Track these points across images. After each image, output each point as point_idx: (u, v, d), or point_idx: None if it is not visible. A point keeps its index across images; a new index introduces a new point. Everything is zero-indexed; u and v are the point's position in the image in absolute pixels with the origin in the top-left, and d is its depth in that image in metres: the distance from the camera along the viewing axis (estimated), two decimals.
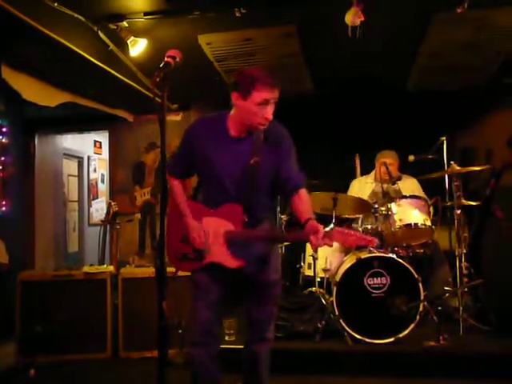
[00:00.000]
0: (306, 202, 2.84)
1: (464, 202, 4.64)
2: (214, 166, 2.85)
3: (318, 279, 4.89)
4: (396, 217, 4.64)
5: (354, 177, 5.78)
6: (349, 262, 4.52)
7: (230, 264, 2.83)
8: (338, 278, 4.46)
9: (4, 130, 5.80)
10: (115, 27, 4.18)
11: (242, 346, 3.18)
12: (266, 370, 3.03)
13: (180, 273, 3.07)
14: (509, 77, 5.71)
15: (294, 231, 3.27)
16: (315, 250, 2.61)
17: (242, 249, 2.85)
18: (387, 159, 5.16)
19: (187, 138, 2.97)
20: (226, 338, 4.50)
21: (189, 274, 3.03)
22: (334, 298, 4.36)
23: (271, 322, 3.02)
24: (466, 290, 4.58)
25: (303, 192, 2.86)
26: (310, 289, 4.97)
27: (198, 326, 2.93)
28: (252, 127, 2.79)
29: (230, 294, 3.01)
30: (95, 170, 9.21)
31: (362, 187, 5.51)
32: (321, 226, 2.59)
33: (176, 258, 3.00)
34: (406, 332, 4.23)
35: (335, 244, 4.91)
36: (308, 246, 5.14)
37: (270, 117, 2.74)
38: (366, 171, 5.69)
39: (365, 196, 5.32)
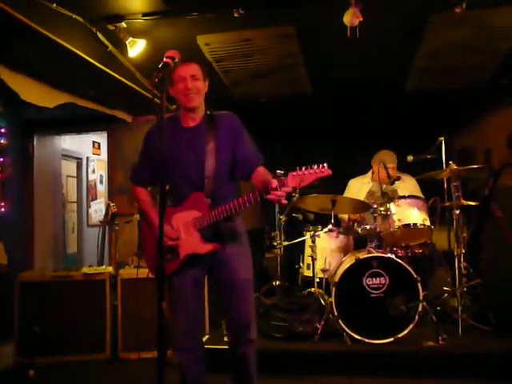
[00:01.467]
0: (263, 174, 2.85)
1: (463, 202, 4.64)
2: (172, 158, 2.90)
3: (317, 279, 4.89)
4: (395, 217, 4.64)
5: (353, 177, 5.77)
6: (348, 262, 4.52)
7: (204, 249, 2.88)
8: (336, 278, 4.46)
9: (2, 130, 5.79)
10: (114, 28, 4.19)
11: None
12: (254, 370, 3.02)
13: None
14: (507, 77, 5.72)
15: None
16: (279, 204, 2.63)
17: (212, 233, 2.89)
18: (385, 160, 5.14)
19: (144, 142, 3.11)
20: (225, 338, 4.49)
21: None
22: (332, 299, 4.36)
23: (250, 322, 2.98)
24: (464, 290, 4.58)
25: (261, 168, 2.90)
26: (308, 289, 4.97)
27: (179, 331, 2.96)
28: (186, 106, 2.92)
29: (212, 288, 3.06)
30: (94, 171, 9.20)
31: (359, 187, 5.52)
32: (274, 180, 2.57)
33: (155, 266, 3.00)
34: (405, 332, 4.23)
35: (334, 244, 5.01)
36: (307, 246, 5.13)
37: (190, 87, 2.86)
38: (364, 171, 5.69)
39: (362, 196, 5.33)
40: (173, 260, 2.94)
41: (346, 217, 5.55)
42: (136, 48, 4.37)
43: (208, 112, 3.02)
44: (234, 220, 2.99)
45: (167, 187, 3.10)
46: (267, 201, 2.63)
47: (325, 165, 2.56)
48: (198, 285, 3.02)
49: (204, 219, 2.87)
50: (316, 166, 2.55)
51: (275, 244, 5.46)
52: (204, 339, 4.45)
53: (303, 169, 2.56)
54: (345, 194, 5.51)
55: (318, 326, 4.45)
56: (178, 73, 2.86)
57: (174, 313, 2.97)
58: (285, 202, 2.60)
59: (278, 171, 5.15)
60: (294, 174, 2.56)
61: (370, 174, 5.57)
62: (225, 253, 2.93)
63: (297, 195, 5.22)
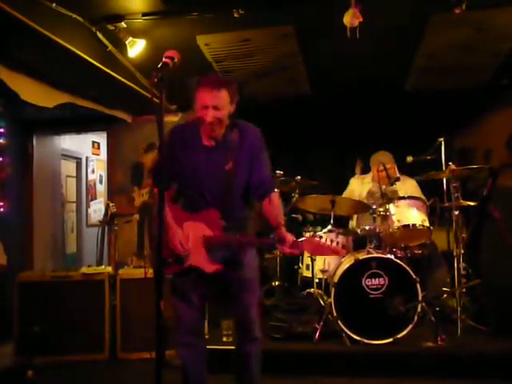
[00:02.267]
0: (276, 206, 2.92)
1: (462, 202, 4.64)
2: (190, 174, 2.91)
3: (316, 280, 4.89)
4: (394, 217, 4.64)
5: (352, 177, 5.77)
6: (347, 262, 4.52)
7: (208, 269, 2.86)
8: (336, 278, 4.46)
9: (2, 130, 5.78)
10: (113, 28, 4.19)
11: None
12: (258, 369, 3.03)
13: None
14: (507, 77, 5.72)
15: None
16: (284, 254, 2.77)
17: (218, 253, 2.88)
18: (384, 161, 5.15)
19: (167, 146, 2.94)
20: (224, 338, 4.50)
21: None
22: (332, 299, 4.36)
23: (255, 321, 2.99)
24: (463, 290, 4.58)
25: (274, 196, 2.94)
26: (308, 290, 4.98)
27: (183, 327, 2.97)
28: (207, 133, 2.86)
29: (212, 295, 3.08)
30: (93, 171, 9.20)
31: (360, 186, 5.53)
32: (290, 236, 2.70)
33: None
34: (404, 333, 4.24)
35: (333, 245, 4.99)
36: None
37: (209, 120, 2.76)
38: (364, 171, 5.69)
39: (362, 195, 5.33)
40: (175, 265, 2.92)
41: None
42: (136, 48, 4.37)
43: (232, 122, 2.91)
44: (245, 251, 3.00)
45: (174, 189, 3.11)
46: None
47: (344, 248, 2.70)
48: (201, 285, 2.98)
49: (215, 241, 2.86)
50: (334, 244, 2.66)
51: None
52: None
53: (320, 240, 2.66)
54: (345, 192, 5.52)
55: (317, 326, 4.45)
56: (201, 99, 2.76)
57: (178, 309, 2.97)
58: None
59: (278, 172, 5.18)
60: (312, 240, 2.68)
61: (370, 174, 5.57)
62: (234, 256, 2.94)
63: (296, 195, 5.23)
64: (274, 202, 2.91)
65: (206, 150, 2.92)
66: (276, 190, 3.03)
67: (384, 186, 4.94)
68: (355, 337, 4.27)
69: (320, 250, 2.65)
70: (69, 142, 8.11)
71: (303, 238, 2.70)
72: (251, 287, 3.01)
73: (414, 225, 4.61)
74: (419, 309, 4.27)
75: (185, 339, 2.97)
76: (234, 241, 2.84)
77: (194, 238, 2.90)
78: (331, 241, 2.64)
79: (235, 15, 4.00)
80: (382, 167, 5.03)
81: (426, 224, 4.63)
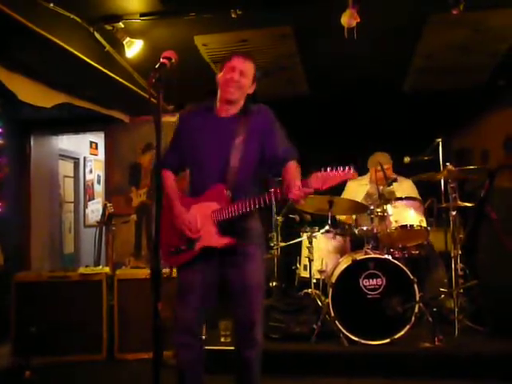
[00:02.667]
0: (292, 172, 2.83)
1: (460, 203, 4.65)
2: (198, 146, 2.92)
3: (314, 280, 4.89)
4: (392, 218, 4.65)
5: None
6: (344, 263, 4.52)
7: (219, 243, 2.85)
8: (333, 279, 4.46)
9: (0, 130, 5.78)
10: (111, 28, 4.18)
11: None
12: (258, 372, 3.00)
13: (175, 274, 3.05)
14: (504, 78, 5.73)
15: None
16: (297, 203, 2.58)
17: (230, 228, 2.85)
18: (382, 161, 5.15)
19: (177, 126, 3.09)
20: (222, 339, 4.50)
21: None
22: (329, 300, 4.37)
23: (256, 324, 2.94)
24: (461, 291, 4.59)
25: (291, 164, 2.88)
26: (305, 290, 4.98)
27: (182, 327, 2.93)
28: (222, 96, 2.93)
29: (215, 294, 3.01)
30: (91, 171, 9.19)
31: (357, 188, 5.52)
32: (296, 181, 2.59)
33: (169, 253, 2.98)
34: (402, 333, 4.24)
35: (331, 245, 5.01)
36: (304, 247, 5.14)
37: (236, 78, 2.87)
38: (361, 172, 5.68)
39: (359, 197, 5.33)
40: (187, 251, 2.91)
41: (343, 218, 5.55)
42: (133, 48, 4.37)
43: (244, 105, 2.99)
44: (253, 218, 2.96)
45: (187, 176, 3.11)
46: (287, 199, 2.63)
47: (351, 167, 2.57)
48: (209, 284, 2.96)
49: (222, 212, 2.84)
50: (342, 168, 2.56)
51: (272, 245, 5.46)
52: None
53: (328, 170, 2.56)
54: (342, 195, 5.51)
55: (314, 326, 4.45)
56: (231, 62, 2.88)
57: (180, 307, 2.94)
58: (302, 202, 2.62)
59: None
60: (319, 174, 2.56)
61: (367, 176, 5.57)
62: (240, 251, 2.90)
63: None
64: (290, 168, 2.85)
65: (217, 120, 2.96)
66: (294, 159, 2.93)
67: (381, 187, 4.95)
68: (353, 337, 4.27)
69: (330, 180, 2.55)
70: (66, 142, 8.11)
71: (310, 177, 2.57)
72: (258, 291, 2.97)
73: (411, 225, 4.62)
74: (416, 309, 4.27)
75: (183, 339, 2.93)
76: (242, 208, 2.78)
77: (202, 218, 2.89)
78: (336, 168, 2.56)
79: (233, 15, 3.99)
80: (379, 167, 5.03)
81: (424, 224, 4.64)
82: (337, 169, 2.55)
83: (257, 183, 2.99)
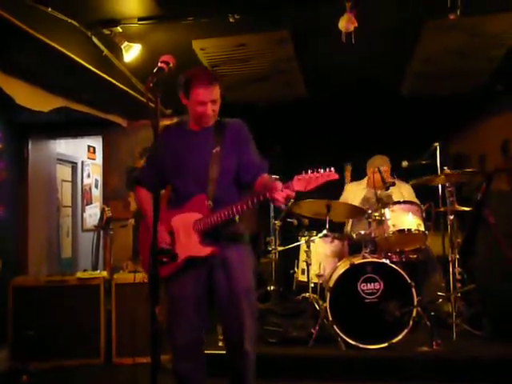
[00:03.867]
0: (266, 179, 2.82)
1: (457, 207, 4.65)
2: (176, 160, 2.93)
3: (312, 285, 4.88)
4: (389, 222, 4.64)
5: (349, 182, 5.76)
6: (342, 267, 4.52)
7: (202, 252, 2.84)
8: (331, 283, 4.46)
9: None
10: (109, 32, 4.19)
11: None
12: (252, 380, 2.96)
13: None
14: (501, 83, 5.74)
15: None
16: (280, 205, 2.51)
17: (212, 234, 2.85)
18: (380, 165, 5.15)
19: (152, 145, 3.17)
20: (220, 343, 4.48)
21: None
22: (327, 304, 4.36)
23: (245, 333, 2.89)
24: (459, 295, 4.59)
25: (265, 175, 2.87)
26: (303, 294, 4.96)
27: (179, 342, 2.91)
28: (201, 122, 2.93)
29: (206, 304, 2.98)
30: (89, 176, 9.18)
31: (355, 192, 5.51)
32: (277, 183, 2.56)
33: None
34: (400, 337, 4.23)
35: (329, 249, 5.01)
36: (302, 251, 5.13)
37: (209, 113, 2.87)
38: (359, 176, 5.69)
39: (356, 201, 5.33)
40: (170, 263, 2.89)
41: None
42: (131, 52, 4.38)
43: (218, 119, 2.99)
44: (236, 225, 2.95)
45: (164, 191, 3.11)
46: (267, 201, 2.61)
47: (332, 169, 2.55)
48: (199, 290, 2.93)
49: (204, 221, 2.83)
50: (323, 170, 2.54)
51: (270, 249, 5.46)
52: None
53: (309, 172, 2.54)
54: (340, 199, 5.51)
55: (312, 331, 4.44)
56: (199, 96, 2.82)
57: (173, 319, 2.92)
58: (283, 203, 2.58)
59: (273, 176, 5.18)
60: (300, 177, 2.55)
61: (365, 180, 5.56)
62: (225, 259, 2.88)
63: (291, 200, 5.21)
64: (265, 177, 2.83)
65: (193, 134, 2.98)
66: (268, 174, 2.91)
67: (379, 191, 4.95)
68: (350, 341, 4.26)
69: (313, 181, 2.53)
70: (64, 147, 8.10)
71: (292, 180, 2.55)
72: (247, 297, 2.92)
73: (409, 229, 4.61)
74: (414, 313, 4.27)
75: (182, 354, 2.92)
76: (224, 215, 2.77)
77: (184, 229, 2.89)
78: (317, 170, 2.55)
79: (231, 20, 4.01)
80: (377, 171, 5.03)
81: (421, 229, 4.64)
82: (318, 171, 2.54)
83: (237, 193, 2.97)
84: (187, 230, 2.88)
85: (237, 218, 2.90)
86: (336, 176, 2.57)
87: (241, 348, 2.88)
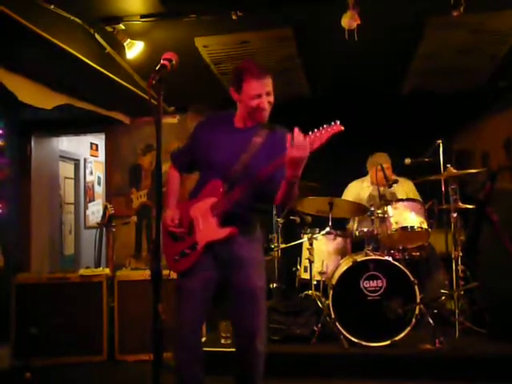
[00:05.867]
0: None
1: (460, 205, 4.64)
2: (213, 150, 2.88)
3: (315, 282, 4.89)
4: (392, 220, 4.64)
5: (351, 180, 5.75)
6: (345, 264, 4.52)
7: (221, 234, 2.81)
8: (334, 281, 4.46)
9: (0, 132, 5.78)
10: (112, 29, 4.18)
11: None
12: (260, 379, 2.96)
13: (173, 275, 3.02)
14: (504, 80, 5.73)
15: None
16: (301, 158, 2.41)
17: (230, 218, 2.81)
18: (382, 162, 5.15)
19: (194, 130, 3.07)
20: (222, 341, 4.49)
21: None
22: (330, 301, 4.36)
23: (259, 332, 2.89)
24: (461, 292, 4.58)
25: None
26: (306, 292, 4.97)
27: (183, 330, 2.89)
28: (256, 117, 2.85)
29: (215, 298, 2.97)
30: (92, 173, 9.20)
31: (359, 190, 5.51)
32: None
33: (175, 261, 2.94)
34: (402, 335, 4.23)
35: (331, 247, 5.01)
36: (304, 249, 5.13)
37: (266, 106, 2.81)
38: (361, 174, 5.68)
39: (363, 199, 5.33)
40: (191, 253, 2.87)
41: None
42: (134, 50, 4.37)
43: (269, 123, 2.91)
44: (254, 215, 2.93)
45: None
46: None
47: (337, 122, 2.56)
48: (207, 288, 2.92)
49: (219, 203, 2.81)
50: (327, 125, 2.55)
51: (273, 247, 5.46)
52: None
53: (315, 131, 2.54)
54: (344, 196, 5.51)
55: (315, 328, 4.45)
56: (253, 89, 2.77)
57: (180, 311, 2.90)
58: (301, 155, 2.49)
59: None
60: (310, 135, 2.53)
61: (368, 177, 5.56)
62: (241, 257, 2.85)
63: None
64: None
65: (235, 130, 2.92)
66: None
67: (382, 188, 4.94)
68: (353, 339, 4.26)
69: (318, 138, 2.53)
70: (67, 144, 8.12)
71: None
72: (259, 296, 2.92)
73: (412, 227, 4.61)
74: (417, 311, 4.27)
75: (184, 343, 2.90)
76: (236, 192, 2.77)
77: (202, 216, 2.87)
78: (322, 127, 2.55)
79: (234, 17, 4.00)
80: (380, 168, 5.02)
81: (424, 226, 4.63)
82: (322, 127, 2.56)
83: (260, 198, 2.87)
84: (205, 216, 2.86)
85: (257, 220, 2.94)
86: (341, 128, 2.56)
87: (253, 347, 2.87)
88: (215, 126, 2.96)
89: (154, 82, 2.35)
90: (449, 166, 4.65)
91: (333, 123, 2.55)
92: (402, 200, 4.80)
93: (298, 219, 5.62)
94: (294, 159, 2.49)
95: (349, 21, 3.88)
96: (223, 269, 2.88)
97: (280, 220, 5.42)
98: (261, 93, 2.77)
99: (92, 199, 9.21)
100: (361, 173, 5.69)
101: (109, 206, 5.50)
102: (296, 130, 2.48)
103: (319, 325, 4.44)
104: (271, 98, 2.84)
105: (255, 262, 2.93)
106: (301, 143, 2.46)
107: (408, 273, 4.34)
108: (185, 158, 3.08)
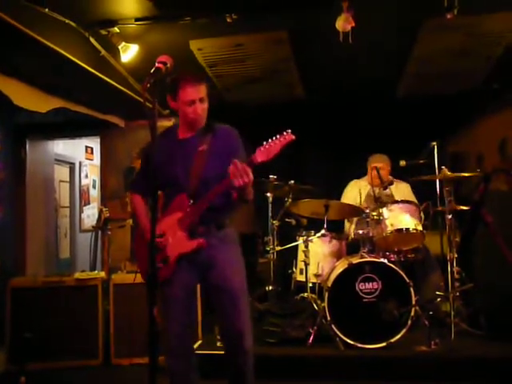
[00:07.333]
0: None
1: (455, 206, 4.65)
2: (165, 170, 2.90)
3: (310, 284, 4.89)
4: (387, 222, 4.65)
5: (346, 182, 5.75)
6: (340, 267, 4.52)
7: (189, 247, 2.87)
8: (329, 283, 4.46)
9: None
10: (106, 33, 4.18)
11: None
12: (251, 379, 2.97)
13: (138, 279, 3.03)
14: (499, 82, 5.75)
15: None
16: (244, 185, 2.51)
17: (198, 230, 2.89)
18: (378, 163, 5.18)
19: (144, 154, 3.14)
20: (218, 343, 4.48)
21: None
22: (325, 304, 4.36)
23: (244, 332, 2.90)
24: (457, 294, 4.59)
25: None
26: (301, 294, 4.97)
27: (171, 338, 2.92)
28: (193, 126, 2.96)
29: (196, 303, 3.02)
30: (87, 176, 9.19)
31: (360, 188, 5.49)
32: (239, 164, 2.59)
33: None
34: (398, 337, 4.24)
35: (327, 249, 5.01)
36: (300, 251, 5.12)
37: (200, 112, 2.90)
38: (356, 177, 5.69)
39: (361, 198, 5.32)
40: (165, 267, 2.91)
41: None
42: (129, 53, 4.37)
43: (208, 123, 3.00)
44: (223, 220, 3.00)
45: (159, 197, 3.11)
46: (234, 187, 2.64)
47: (288, 131, 2.68)
48: (189, 292, 2.99)
49: (186, 217, 2.88)
50: (279, 136, 2.67)
51: (268, 249, 5.45)
52: (197, 345, 4.46)
53: (269, 141, 2.66)
54: (343, 196, 5.53)
55: (310, 330, 4.45)
56: (187, 95, 2.85)
57: (166, 320, 2.93)
58: (249, 180, 2.59)
59: (271, 176, 5.19)
60: (261, 148, 2.64)
61: (367, 177, 5.56)
62: (216, 259, 2.91)
63: (289, 200, 5.22)
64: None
65: (181, 142, 3.00)
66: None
67: (377, 190, 4.95)
68: (349, 341, 4.26)
69: (273, 149, 2.63)
70: (62, 147, 8.11)
71: (255, 153, 2.66)
72: (240, 293, 2.95)
73: (407, 229, 4.62)
74: (413, 313, 4.27)
75: (174, 350, 2.92)
76: (201, 206, 2.84)
77: (170, 229, 2.92)
78: (275, 137, 2.66)
79: (228, 20, 4.00)
80: (375, 169, 5.04)
81: (419, 228, 4.64)
82: (276, 137, 2.67)
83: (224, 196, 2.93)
84: (174, 230, 2.91)
85: (227, 220, 3.00)
86: (292, 137, 2.68)
87: (241, 346, 2.90)
88: (162, 144, 2.94)
89: (148, 85, 2.35)
90: (443, 167, 4.66)
91: (285, 133, 2.68)
92: (397, 202, 4.81)
93: (293, 221, 5.61)
94: (239, 187, 2.63)
95: (343, 23, 3.89)
96: (200, 271, 2.95)
97: (275, 222, 5.42)
98: (194, 99, 2.86)
99: (87, 202, 9.19)
100: (355, 175, 5.70)
101: (104, 209, 5.50)
102: (235, 161, 2.59)
103: (315, 327, 4.43)
104: (205, 106, 2.93)
105: (230, 262, 2.97)
106: (242, 172, 2.58)
107: (403, 275, 4.34)
108: (144, 183, 3.05)
